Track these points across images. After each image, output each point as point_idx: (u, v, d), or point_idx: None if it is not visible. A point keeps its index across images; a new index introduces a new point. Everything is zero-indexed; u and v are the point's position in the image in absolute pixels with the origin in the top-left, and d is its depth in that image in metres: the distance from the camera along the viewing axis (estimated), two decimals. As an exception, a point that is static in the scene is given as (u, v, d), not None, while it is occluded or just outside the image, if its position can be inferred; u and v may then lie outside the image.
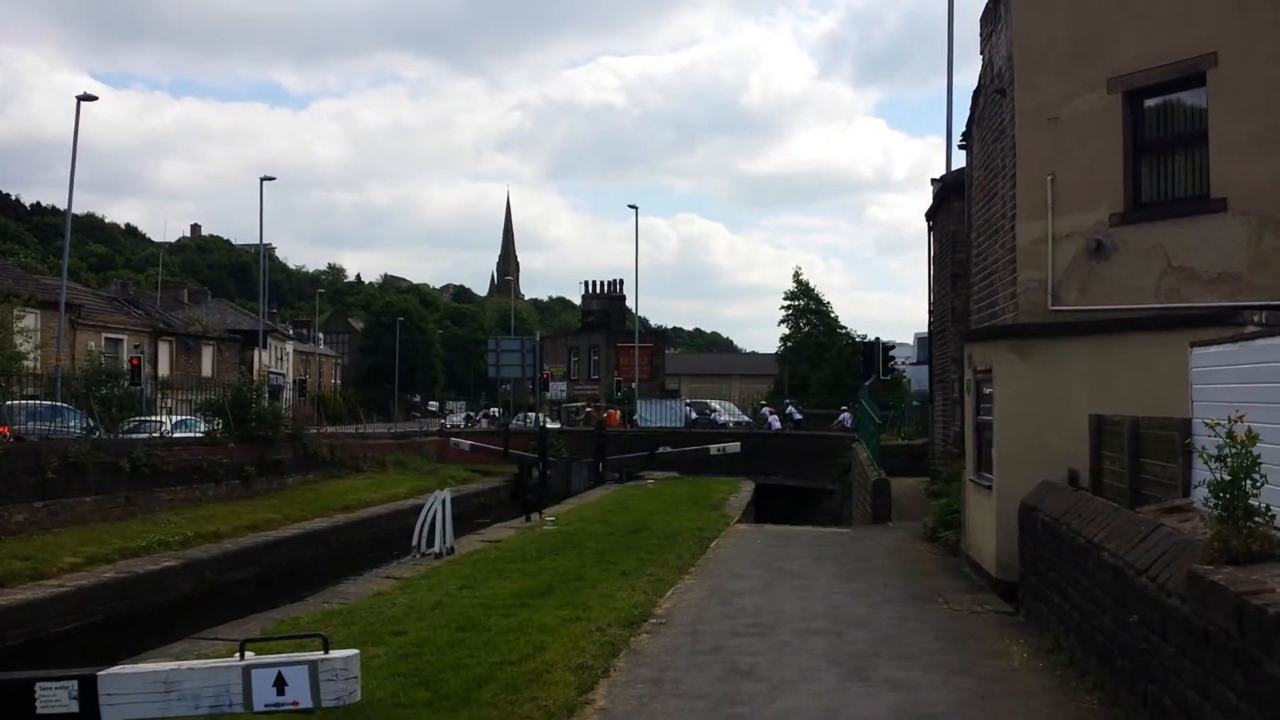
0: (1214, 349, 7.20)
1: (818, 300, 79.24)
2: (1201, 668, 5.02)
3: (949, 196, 21.60)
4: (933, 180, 24.66)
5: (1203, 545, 5.43)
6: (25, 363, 28.19)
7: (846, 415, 45.53)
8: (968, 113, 18.64)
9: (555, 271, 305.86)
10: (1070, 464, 10.20)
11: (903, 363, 40.63)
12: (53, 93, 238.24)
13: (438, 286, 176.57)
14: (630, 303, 76.97)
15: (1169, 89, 12.31)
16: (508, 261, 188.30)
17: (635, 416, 52.52)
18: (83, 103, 35.88)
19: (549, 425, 44.20)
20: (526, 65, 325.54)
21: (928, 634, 9.73)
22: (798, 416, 49.68)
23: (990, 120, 15.56)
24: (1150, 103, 12.55)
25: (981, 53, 16.24)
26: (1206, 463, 5.50)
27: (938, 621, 10.37)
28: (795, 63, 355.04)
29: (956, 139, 20.39)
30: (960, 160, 20.49)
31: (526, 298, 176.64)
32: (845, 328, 77.44)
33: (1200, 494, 6.79)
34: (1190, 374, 7.51)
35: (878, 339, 36.71)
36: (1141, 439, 8.34)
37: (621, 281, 77.99)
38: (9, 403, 22.72)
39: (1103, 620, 7.03)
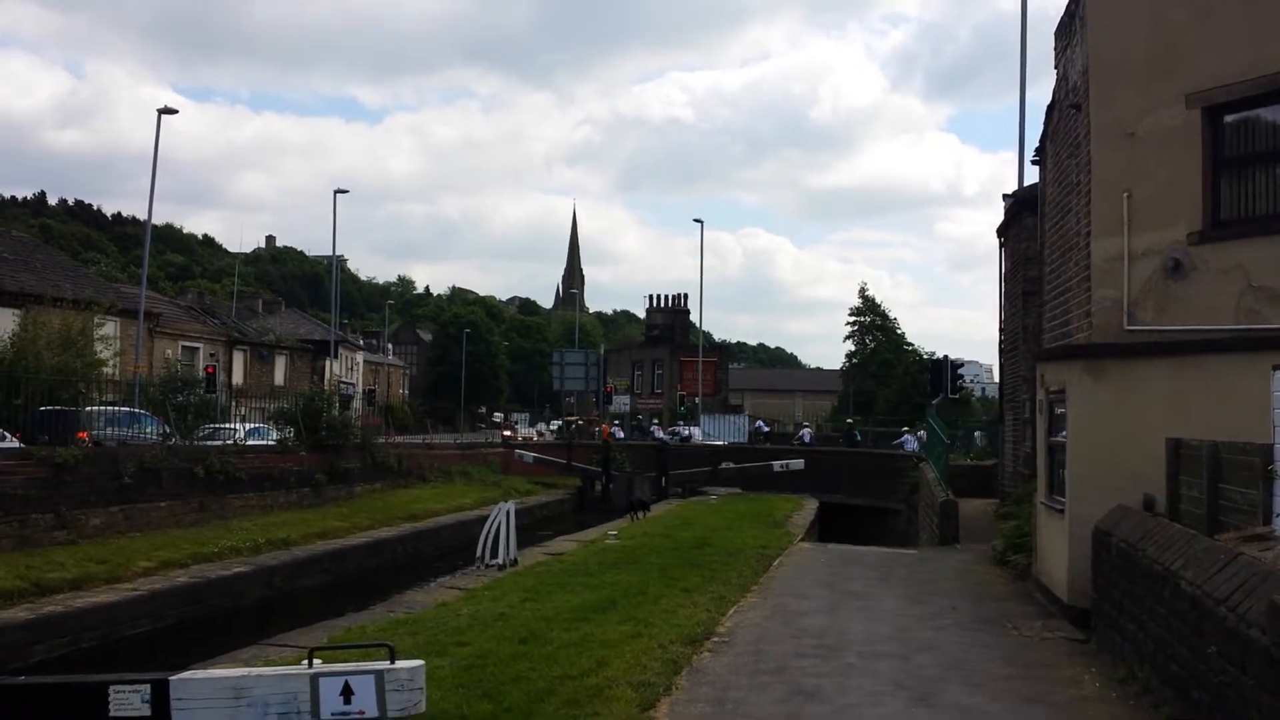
0: (1297, 372, 6.98)
1: (884, 316, 78.72)
2: (1284, 703, 4.86)
3: (1021, 212, 21.27)
4: (1005, 196, 24.30)
5: (1286, 576, 5.26)
6: (105, 369, 28.91)
7: (909, 438, 44.48)
8: (1041, 128, 18.35)
9: (620, 285, 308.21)
10: (1145, 488, 9.95)
11: (972, 381, 40.15)
12: (136, 106, 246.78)
13: (504, 299, 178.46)
14: (694, 317, 77.00)
15: (1250, 105, 11.98)
16: (573, 274, 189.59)
17: (700, 430, 52.87)
18: (163, 116, 36.87)
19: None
20: (596, 80, 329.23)
21: (997, 660, 9.55)
22: (765, 429, 50.73)
23: (1065, 135, 15.30)
24: (1230, 118, 12.23)
25: (1056, 67, 15.99)
26: (1290, 491, 5.33)
27: (1007, 647, 10.18)
28: (866, 76, 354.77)
29: (1029, 154, 20.09)
30: (1033, 176, 20.17)
31: (591, 311, 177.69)
32: (912, 344, 76.89)
33: (1283, 522, 6.59)
34: (1272, 397, 7.28)
35: (946, 356, 36.27)
36: (1221, 464, 8.12)
37: (686, 295, 77.80)
38: (89, 409, 23.29)
39: (1179, 650, 6.85)
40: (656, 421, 60.70)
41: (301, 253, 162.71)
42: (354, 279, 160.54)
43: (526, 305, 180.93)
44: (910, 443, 42.84)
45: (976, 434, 33.15)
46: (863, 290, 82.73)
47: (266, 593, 19.14)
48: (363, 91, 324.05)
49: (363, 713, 4.98)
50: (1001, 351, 24.86)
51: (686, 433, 50.37)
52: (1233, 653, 5.65)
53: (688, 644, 9.90)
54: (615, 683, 8.31)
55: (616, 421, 58.13)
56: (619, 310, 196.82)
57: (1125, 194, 12.57)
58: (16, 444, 19.79)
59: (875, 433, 52.14)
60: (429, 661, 6.54)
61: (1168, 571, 7.21)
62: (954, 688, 8.45)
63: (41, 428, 21.08)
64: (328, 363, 62.85)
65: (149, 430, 24.58)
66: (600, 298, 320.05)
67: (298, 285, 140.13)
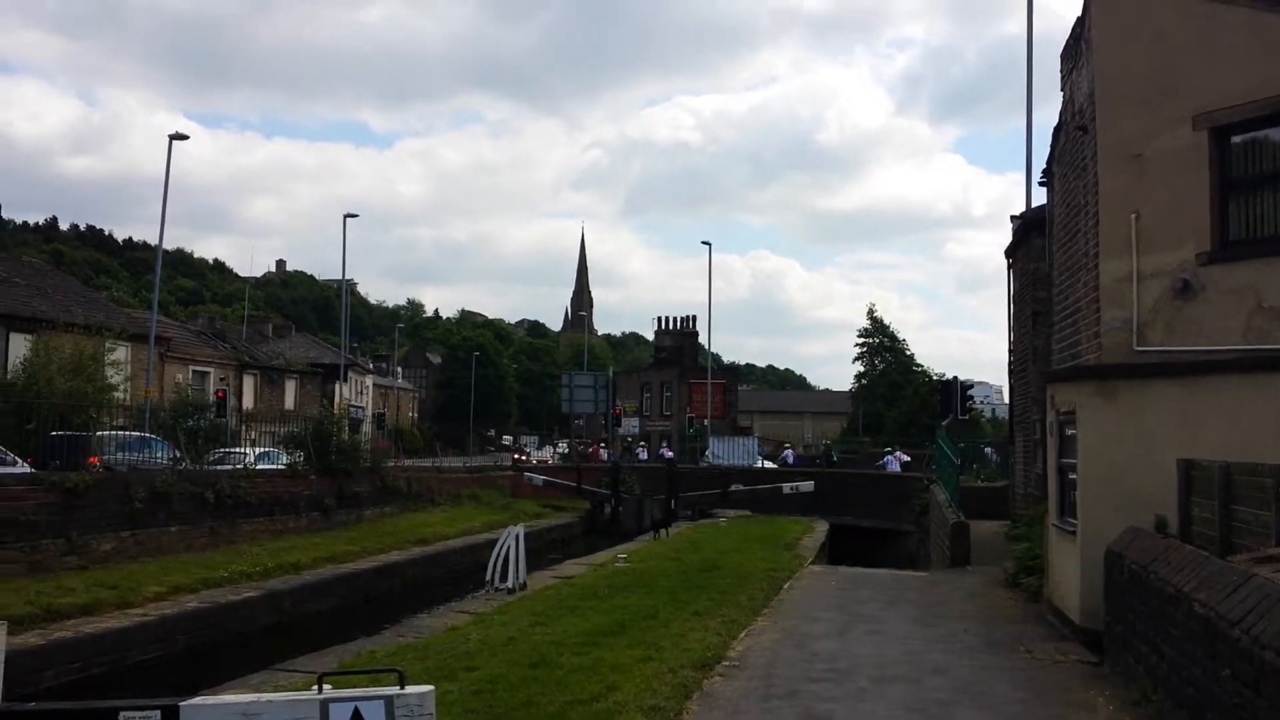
0: (1309, 393, 6.98)
1: (893, 337, 78.68)
2: (1299, 726, 4.83)
3: (1029, 233, 21.28)
4: (1012, 217, 24.31)
5: (1299, 598, 5.24)
6: (116, 394, 29.00)
7: (891, 459, 44.23)
8: (1048, 149, 18.37)
9: (628, 307, 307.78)
10: (1157, 509, 9.92)
11: (982, 402, 40.05)
12: (148, 132, 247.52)
13: (513, 321, 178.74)
14: (703, 339, 76.77)
15: (1257, 125, 12.00)
16: (582, 297, 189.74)
17: (707, 453, 52.92)
18: (175, 141, 37.15)
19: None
20: (605, 105, 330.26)
21: (1009, 683, 9.50)
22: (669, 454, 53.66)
23: (1071, 157, 15.33)
24: (1237, 139, 12.24)
25: (1062, 89, 16.03)
26: (1302, 512, 5.31)
27: (1019, 670, 10.12)
28: (873, 100, 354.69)
29: (1037, 175, 20.12)
30: (1040, 197, 20.20)
31: (600, 333, 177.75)
32: (921, 365, 76.72)
33: (1295, 544, 6.56)
34: (1284, 419, 7.28)
35: (955, 377, 36.19)
36: (1232, 485, 8.09)
37: (694, 318, 77.84)
38: (99, 434, 23.35)
39: (1192, 673, 6.81)
40: (644, 444, 62.51)
41: (311, 277, 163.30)
42: (364, 303, 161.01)
43: (535, 328, 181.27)
44: (892, 464, 42.69)
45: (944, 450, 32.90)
46: (871, 312, 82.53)
47: (276, 617, 19.11)
48: (372, 117, 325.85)
49: (372, 739, 4.97)
50: (1011, 372, 24.80)
51: (670, 454, 51.11)
52: (1247, 675, 5.61)
53: (698, 668, 9.87)
54: (625, 707, 8.28)
55: (605, 445, 59.51)
56: (627, 333, 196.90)
57: (1133, 215, 12.57)
58: (28, 469, 19.86)
59: (871, 453, 51.97)
60: (439, 686, 6.54)
61: (1180, 594, 7.17)
62: (966, 711, 8.41)
63: (53, 453, 21.14)
64: (337, 386, 62.93)
65: (159, 455, 24.64)
66: (609, 320, 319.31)
67: (308, 309, 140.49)
